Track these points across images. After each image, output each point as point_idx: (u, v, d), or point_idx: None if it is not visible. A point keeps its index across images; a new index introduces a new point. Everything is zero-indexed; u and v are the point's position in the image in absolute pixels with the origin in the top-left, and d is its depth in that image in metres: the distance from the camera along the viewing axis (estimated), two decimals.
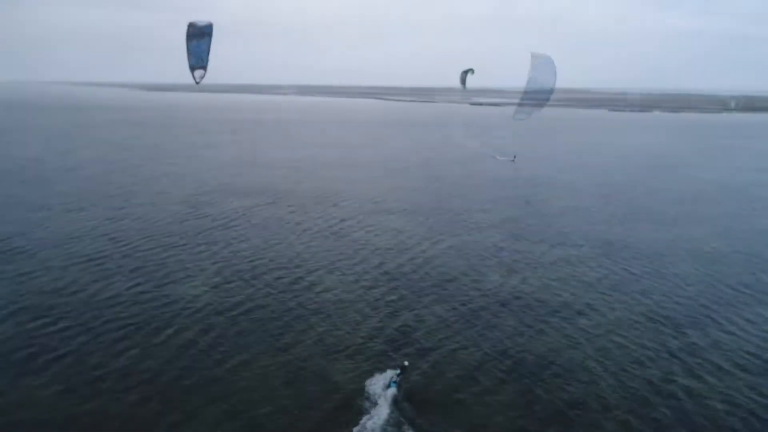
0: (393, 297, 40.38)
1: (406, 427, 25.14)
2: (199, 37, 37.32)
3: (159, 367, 29.72)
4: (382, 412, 25.92)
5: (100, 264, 45.17)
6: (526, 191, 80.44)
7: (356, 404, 26.86)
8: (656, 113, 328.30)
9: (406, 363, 29.69)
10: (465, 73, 64.02)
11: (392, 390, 27.62)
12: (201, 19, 34.36)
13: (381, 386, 28.04)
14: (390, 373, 29.02)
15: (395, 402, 26.78)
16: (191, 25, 37.50)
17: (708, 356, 32.44)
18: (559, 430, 25.46)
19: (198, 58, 37.18)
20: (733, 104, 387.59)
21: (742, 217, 67.58)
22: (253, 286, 41.39)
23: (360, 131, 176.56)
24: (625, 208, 70.62)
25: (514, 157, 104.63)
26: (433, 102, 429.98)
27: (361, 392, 27.81)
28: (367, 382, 28.48)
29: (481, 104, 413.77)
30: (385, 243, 53.49)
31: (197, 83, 37.97)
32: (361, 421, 25.39)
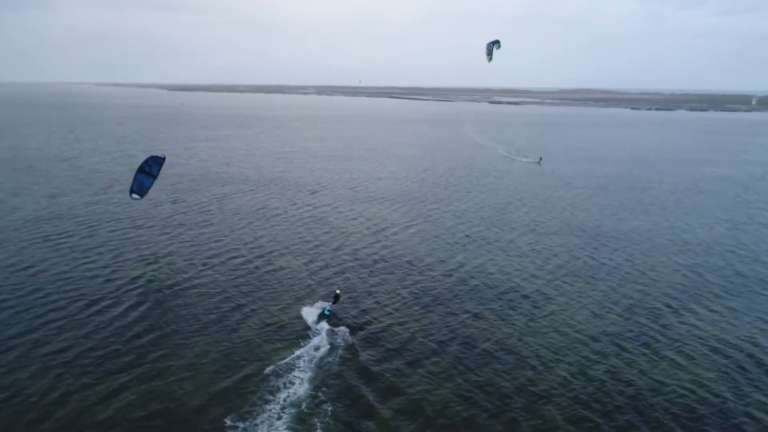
0: (341, 277, 39.47)
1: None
2: (147, 173, 44.33)
3: (78, 339, 29.32)
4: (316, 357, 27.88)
5: (59, 243, 45.26)
6: (520, 183, 78.69)
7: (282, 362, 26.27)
8: (681, 112, 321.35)
9: (338, 291, 32.44)
10: (492, 44, 60.49)
11: (325, 326, 30.29)
12: (158, 158, 44.81)
13: (313, 321, 31.23)
14: (324, 305, 31.93)
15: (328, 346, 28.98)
16: (147, 160, 44.70)
17: (656, 344, 30.86)
18: (470, 404, 24.33)
19: (140, 186, 44.23)
20: (754, 102, 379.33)
21: (735, 208, 64.83)
22: (201, 266, 40.91)
23: (367, 127, 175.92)
24: (615, 199, 68.43)
25: (540, 158, 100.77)
26: (452, 101, 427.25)
27: (285, 356, 27.30)
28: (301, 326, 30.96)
29: (500, 103, 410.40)
30: (352, 228, 52.65)
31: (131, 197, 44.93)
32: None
